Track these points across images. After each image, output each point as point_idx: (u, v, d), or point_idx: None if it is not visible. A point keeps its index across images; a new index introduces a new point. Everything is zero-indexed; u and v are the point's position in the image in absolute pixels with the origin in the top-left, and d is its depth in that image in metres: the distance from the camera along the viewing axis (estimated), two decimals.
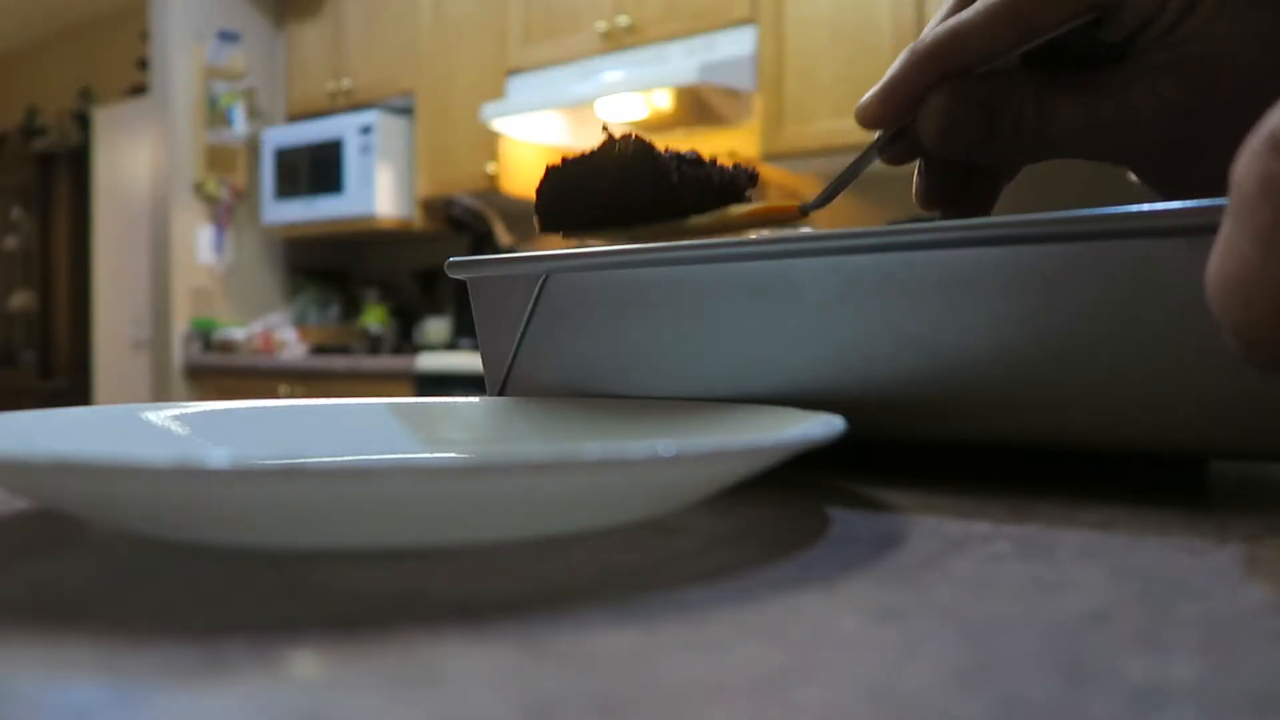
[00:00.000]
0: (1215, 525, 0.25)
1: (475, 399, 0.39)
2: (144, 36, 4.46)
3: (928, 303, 0.32)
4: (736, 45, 2.52)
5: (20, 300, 5.00)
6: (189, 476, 0.18)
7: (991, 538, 0.24)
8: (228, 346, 3.41)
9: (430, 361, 2.86)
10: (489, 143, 3.03)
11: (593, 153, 0.38)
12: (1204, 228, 0.28)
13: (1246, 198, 0.19)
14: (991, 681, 0.14)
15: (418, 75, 3.23)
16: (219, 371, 3.39)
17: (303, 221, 3.44)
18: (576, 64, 2.83)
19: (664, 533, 0.24)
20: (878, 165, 0.40)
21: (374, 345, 3.35)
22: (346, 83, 3.44)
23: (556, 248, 0.39)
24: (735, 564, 0.21)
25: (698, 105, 2.62)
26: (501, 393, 0.41)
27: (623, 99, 2.57)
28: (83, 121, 4.69)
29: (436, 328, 3.31)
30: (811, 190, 2.70)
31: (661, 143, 0.38)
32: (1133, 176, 0.37)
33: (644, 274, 0.37)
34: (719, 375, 0.37)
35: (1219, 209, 0.27)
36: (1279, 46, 0.31)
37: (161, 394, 3.46)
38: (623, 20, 2.72)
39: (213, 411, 0.35)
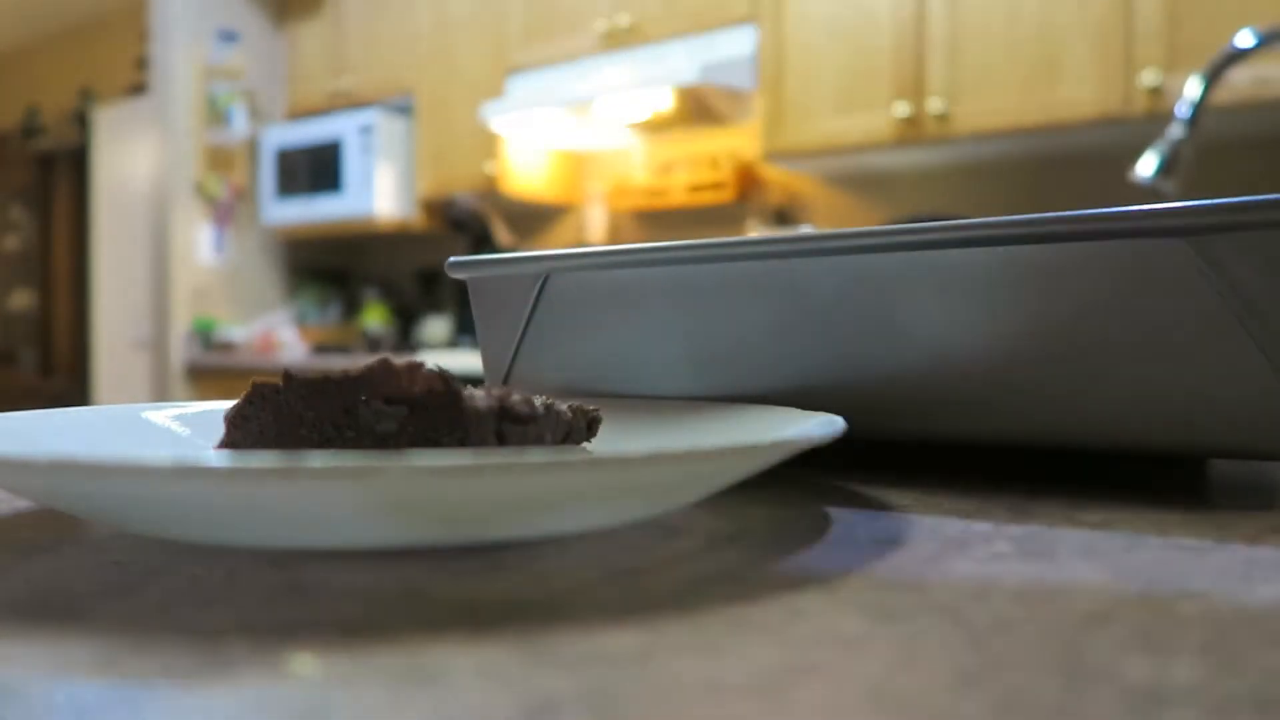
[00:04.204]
0: (1215, 525, 0.25)
1: None
2: (144, 36, 4.46)
3: (928, 303, 0.32)
4: (736, 45, 2.52)
5: (20, 300, 5.00)
6: (189, 476, 0.18)
7: (991, 538, 0.24)
8: (228, 346, 3.41)
9: (431, 361, 2.86)
10: (489, 142, 3.03)
11: (354, 379, 0.25)
12: (1204, 228, 0.28)
13: None
14: (991, 681, 0.14)
15: (418, 75, 3.23)
16: (219, 371, 3.39)
17: (303, 221, 3.44)
18: (576, 63, 2.83)
19: (664, 533, 0.24)
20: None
21: (374, 345, 3.35)
22: (346, 82, 3.44)
23: (557, 247, 0.39)
24: (735, 564, 0.21)
25: (698, 105, 2.62)
26: None
27: (623, 98, 2.57)
28: (83, 121, 4.69)
29: (436, 327, 3.31)
30: (811, 189, 2.70)
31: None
32: None
33: (644, 274, 0.37)
34: (719, 375, 0.37)
35: (1219, 208, 0.27)
36: None
37: (161, 394, 3.46)
38: (623, 20, 2.72)
39: (213, 411, 0.35)
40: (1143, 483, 0.32)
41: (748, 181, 2.79)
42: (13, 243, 5.04)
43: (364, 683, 0.14)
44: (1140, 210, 0.28)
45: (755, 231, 2.79)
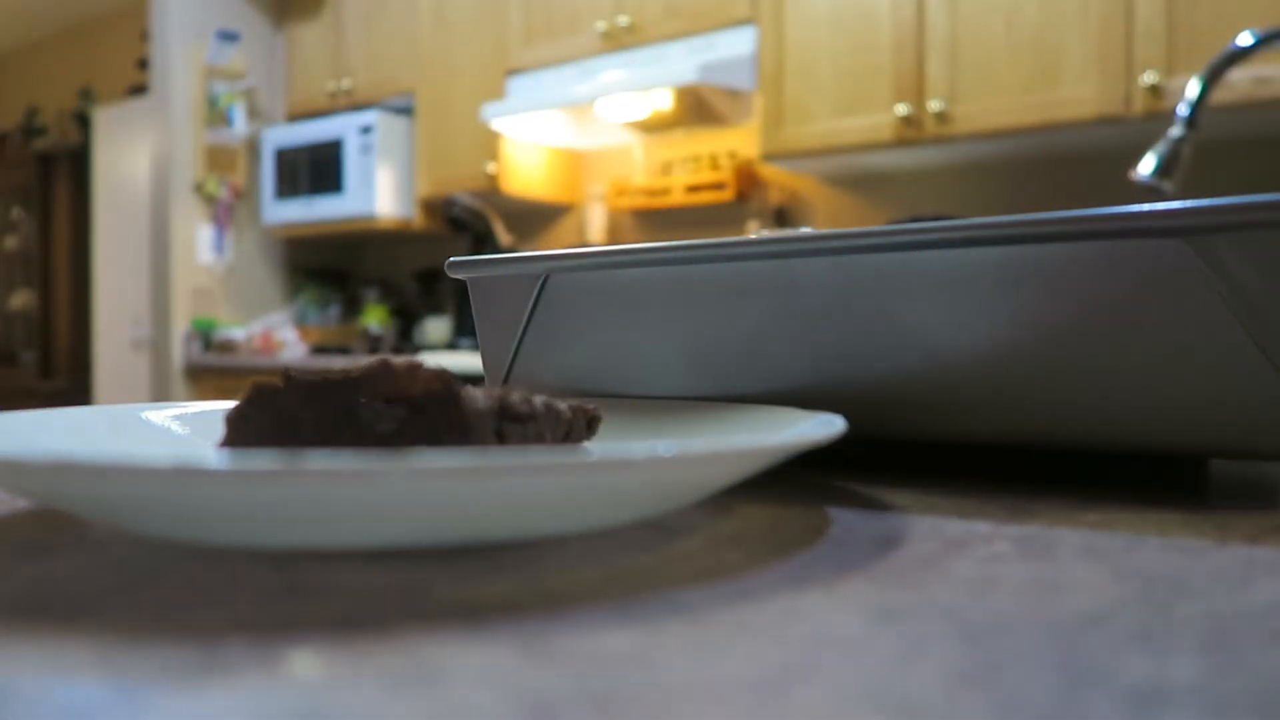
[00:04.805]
0: (1215, 525, 0.25)
1: None
2: (144, 36, 4.46)
3: (928, 303, 0.32)
4: (736, 45, 2.52)
5: (20, 300, 5.00)
6: (189, 476, 0.18)
7: (991, 538, 0.24)
8: (228, 346, 3.41)
9: (431, 361, 2.86)
10: (489, 143, 3.03)
11: (354, 380, 0.25)
12: (1204, 228, 0.28)
13: None
14: (991, 681, 0.14)
15: (418, 75, 3.23)
16: (219, 371, 3.39)
17: (303, 221, 3.44)
18: (576, 64, 2.83)
19: (664, 533, 0.24)
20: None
21: (374, 345, 3.35)
22: (346, 83, 3.44)
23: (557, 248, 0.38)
24: (735, 564, 0.21)
25: (698, 105, 2.62)
26: None
27: (623, 98, 2.57)
28: (83, 121, 4.69)
29: (436, 328, 3.31)
30: (811, 189, 2.70)
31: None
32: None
33: (644, 274, 0.37)
34: (719, 375, 0.37)
35: (1219, 209, 0.27)
36: None
37: (161, 394, 3.46)
38: (623, 20, 2.72)
39: (213, 411, 0.35)
40: (1143, 483, 0.32)
41: (748, 181, 2.79)
42: (13, 243, 5.04)
43: (363, 683, 0.14)
44: (1140, 210, 0.28)
45: (755, 231, 2.78)
